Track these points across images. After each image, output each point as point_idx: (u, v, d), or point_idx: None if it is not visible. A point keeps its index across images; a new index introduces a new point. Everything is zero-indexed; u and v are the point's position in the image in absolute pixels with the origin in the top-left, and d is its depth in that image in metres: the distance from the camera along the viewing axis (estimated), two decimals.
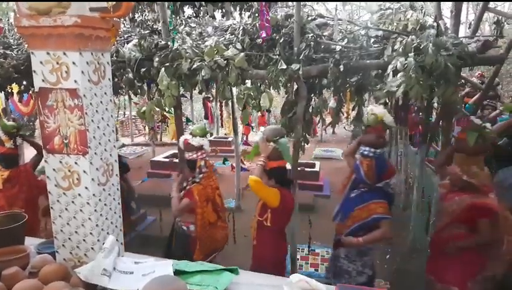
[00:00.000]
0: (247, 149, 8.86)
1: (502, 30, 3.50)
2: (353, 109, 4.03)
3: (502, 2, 9.79)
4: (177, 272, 1.89)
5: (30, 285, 1.65)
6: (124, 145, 10.58)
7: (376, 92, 3.03)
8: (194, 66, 3.46)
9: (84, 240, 1.92)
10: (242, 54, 3.39)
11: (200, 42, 3.82)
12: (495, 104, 5.55)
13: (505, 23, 3.72)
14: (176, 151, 6.70)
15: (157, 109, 4.13)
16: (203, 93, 7.51)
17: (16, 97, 6.27)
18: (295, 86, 3.49)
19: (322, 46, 3.42)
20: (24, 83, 4.80)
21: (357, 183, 3.11)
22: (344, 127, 12.19)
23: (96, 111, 1.85)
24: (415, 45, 2.91)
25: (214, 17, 6.00)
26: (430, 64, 2.76)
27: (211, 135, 11.90)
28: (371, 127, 3.11)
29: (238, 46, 3.55)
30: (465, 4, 6.69)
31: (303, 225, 3.95)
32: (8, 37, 4.92)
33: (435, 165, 3.82)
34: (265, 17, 3.32)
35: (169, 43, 3.80)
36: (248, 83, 3.83)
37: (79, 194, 1.86)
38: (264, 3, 3.30)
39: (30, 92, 5.43)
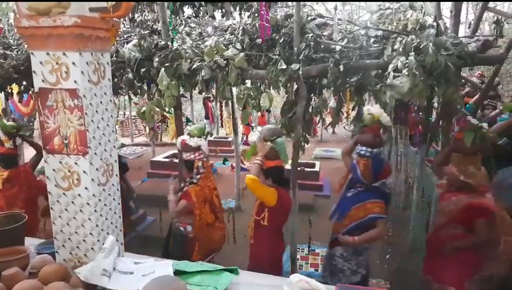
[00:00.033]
0: (247, 149, 8.85)
1: (501, 30, 3.49)
2: (353, 109, 4.03)
3: (502, 2, 9.79)
4: (177, 272, 1.89)
5: (30, 285, 1.65)
6: (123, 146, 10.59)
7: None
8: (194, 66, 3.45)
9: (84, 240, 1.91)
10: (242, 54, 3.39)
11: (199, 42, 3.82)
12: (495, 104, 5.54)
13: (505, 22, 3.72)
14: (176, 151, 6.70)
15: (157, 109, 4.13)
16: (203, 93, 7.51)
17: (15, 97, 6.27)
18: (295, 86, 3.49)
19: (322, 46, 3.42)
20: (24, 83, 4.80)
21: (353, 182, 3.13)
22: (344, 127, 12.20)
23: (96, 111, 1.85)
24: (414, 44, 2.90)
25: (213, 17, 6.00)
26: (431, 64, 2.76)
27: (211, 135, 11.90)
28: (368, 126, 3.13)
29: (238, 46, 3.54)
30: (464, 4, 6.68)
31: (303, 225, 3.95)
32: (8, 38, 4.92)
33: (433, 165, 3.82)
34: (264, 17, 3.32)
35: (169, 43, 3.80)
36: (248, 83, 3.83)
37: (79, 195, 1.86)
38: (263, 3, 3.30)
39: (30, 92, 5.43)
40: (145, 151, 10.55)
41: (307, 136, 3.84)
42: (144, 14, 6.59)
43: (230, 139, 9.93)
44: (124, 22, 5.94)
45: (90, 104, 1.80)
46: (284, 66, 3.22)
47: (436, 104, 4.72)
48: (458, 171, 2.75)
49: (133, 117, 12.47)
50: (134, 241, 4.54)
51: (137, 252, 2.24)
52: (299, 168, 4.22)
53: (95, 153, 1.85)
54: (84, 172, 1.82)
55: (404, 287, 3.85)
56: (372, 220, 2.91)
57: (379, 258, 4.48)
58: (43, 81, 1.77)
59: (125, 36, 4.52)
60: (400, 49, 2.97)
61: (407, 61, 2.80)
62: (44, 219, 3.65)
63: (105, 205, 1.96)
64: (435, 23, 3.28)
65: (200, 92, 4.38)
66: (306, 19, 3.53)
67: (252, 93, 3.57)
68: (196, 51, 3.58)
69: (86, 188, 1.84)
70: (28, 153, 4.24)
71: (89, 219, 1.87)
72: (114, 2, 1.76)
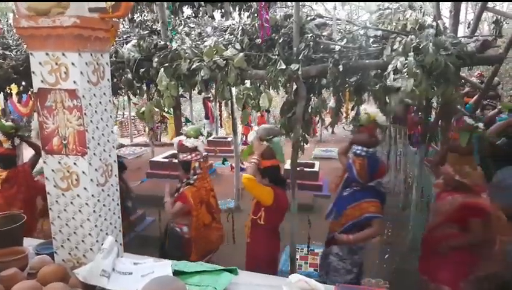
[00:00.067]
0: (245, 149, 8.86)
1: (500, 29, 3.50)
2: (352, 109, 4.03)
3: (501, 2, 9.80)
4: (176, 273, 1.88)
5: (29, 286, 1.65)
6: (122, 146, 10.58)
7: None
8: (193, 66, 3.45)
9: (83, 240, 1.91)
10: (241, 54, 3.39)
11: (199, 42, 3.82)
12: (495, 103, 5.55)
13: (504, 22, 3.73)
14: (175, 151, 6.69)
15: (157, 110, 4.13)
16: (203, 93, 7.50)
17: (15, 98, 6.26)
18: (294, 86, 3.49)
19: (321, 46, 3.42)
20: (23, 83, 4.80)
21: (349, 182, 3.15)
22: (343, 127, 12.20)
23: (95, 112, 1.85)
24: (414, 44, 2.91)
25: (213, 18, 6.00)
26: (430, 64, 2.76)
27: (211, 135, 11.91)
28: (364, 126, 3.14)
29: (237, 46, 3.54)
30: (464, 4, 6.69)
31: (302, 225, 3.95)
32: (7, 38, 4.91)
33: (430, 165, 3.83)
34: (264, 16, 3.32)
35: (168, 43, 3.79)
36: (247, 83, 3.83)
37: (78, 195, 1.86)
38: (263, 3, 3.30)
39: (29, 92, 5.42)
40: (145, 151, 10.54)
41: (306, 136, 3.84)
42: (143, 15, 6.60)
43: (229, 139, 9.92)
44: (124, 22, 5.94)
45: (90, 104, 1.80)
46: (284, 66, 3.22)
47: (435, 104, 4.72)
48: (454, 171, 2.77)
49: (133, 117, 12.47)
50: (134, 241, 4.53)
51: (137, 253, 2.24)
52: (298, 168, 4.22)
53: (94, 154, 1.85)
54: (83, 172, 1.82)
55: (403, 287, 3.85)
56: (367, 219, 2.94)
57: (378, 258, 4.48)
58: (42, 81, 1.77)
59: (125, 36, 4.52)
60: (400, 49, 2.97)
61: (406, 61, 2.80)
62: (42, 219, 3.65)
63: (104, 205, 1.96)
64: (434, 23, 3.28)
65: (199, 92, 4.38)
66: (305, 19, 3.53)
67: (251, 94, 3.57)
68: (195, 51, 3.58)
69: (85, 188, 1.84)
70: (28, 153, 4.24)
71: (88, 219, 1.87)
72: (113, 3, 1.76)
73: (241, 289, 1.86)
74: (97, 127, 1.87)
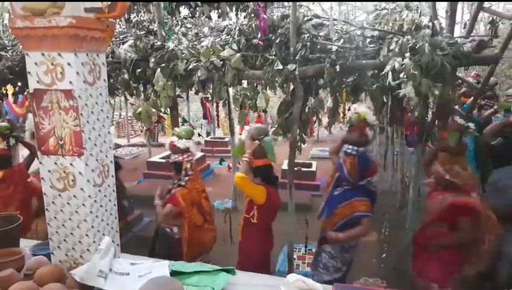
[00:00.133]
0: (236, 148, 8.86)
1: (496, 30, 3.52)
2: (349, 109, 4.04)
3: (497, 2, 9.85)
4: (174, 273, 1.88)
5: (25, 287, 1.64)
6: (119, 146, 10.54)
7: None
8: (190, 66, 3.45)
9: (79, 241, 1.90)
10: (238, 54, 3.39)
11: (196, 43, 3.82)
12: (493, 104, 5.56)
13: (500, 23, 3.75)
14: None
15: (154, 110, 4.12)
16: (201, 93, 7.50)
17: (10, 98, 6.23)
18: (291, 86, 3.50)
19: (318, 47, 3.43)
20: (19, 84, 4.78)
21: (340, 181, 3.17)
22: (340, 127, 12.23)
23: (92, 112, 1.84)
24: (410, 44, 2.92)
25: (210, 18, 5.99)
26: (426, 64, 2.78)
27: (209, 134, 11.91)
28: (354, 125, 3.15)
29: (234, 46, 3.55)
30: (460, 4, 6.72)
31: (300, 225, 3.96)
32: (3, 38, 4.90)
33: (422, 164, 3.85)
34: (262, 16, 3.33)
35: (165, 43, 3.79)
36: (244, 83, 3.83)
37: (74, 196, 1.85)
38: (261, 4, 3.31)
39: (25, 93, 5.40)
40: (141, 151, 10.52)
41: (304, 136, 3.85)
42: (139, 15, 6.57)
43: (227, 139, 9.92)
44: (120, 22, 5.92)
45: (86, 104, 1.79)
46: (281, 67, 3.23)
47: (431, 104, 4.73)
48: (444, 170, 2.78)
49: (129, 118, 12.45)
50: (131, 242, 4.52)
51: (134, 253, 2.23)
52: (295, 168, 4.22)
53: (91, 154, 1.84)
54: (80, 173, 1.81)
55: (400, 286, 3.87)
56: (357, 218, 2.96)
57: (376, 257, 4.50)
58: (38, 82, 1.76)
59: (121, 37, 4.51)
60: (396, 49, 2.98)
61: (403, 62, 2.81)
62: (36, 220, 3.65)
63: (101, 206, 1.95)
64: (430, 24, 3.30)
65: (196, 93, 4.38)
66: (302, 20, 3.54)
67: (248, 94, 3.57)
68: (192, 51, 3.58)
69: (82, 189, 1.83)
70: (25, 154, 4.22)
71: (85, 220, 1.87)
72: (109, 3, 1.75)
73: (239, 289, 1.86)
74: (93, 128, 1.86)
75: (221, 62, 3.39)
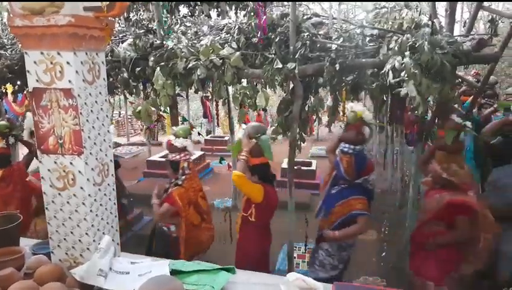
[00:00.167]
0: (233, 145, 8.87)
1: (496, 28, 3.51)
2: None
3: (496, 1, 9.84)
4: (174, 272, 1.88)
5: (25, 286, 1.64)
6: (119, 145, 10.55)
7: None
8: (190, 65, 3.45)
9: (79, 240, 1.91)
10: (238, 53, 3.39)
11: (195, 41, 3.81)
12: (493, 102, 5.56)
13: (499, 21, 3.74)
14: None
15: (153, 109, 4.12)
16: (200, 92, 7.49)
17: (10, 97, 6.22)
18: (291, 85, 3.49)
19: (318, 45, 3.42)
20: (18, 83, 4.77)
21: (337, 179, 3.17)
22: (340, 126, 12.23)
23: (91, 111, 1.84)
24: (410, 43, 2.92)
25: (209, 16, 5.98)
26: (426, 62, 2.77)
27: (208, 133, 11.91)
28: (351, 124, 3.15)
29: (234, 45, 3.54)
30: (459, 3, 6.71)
31: (300, 224, 3.96)
32: (2, 37, 4.88)
33: (419, 163, 3.86)
34: (261, 15, 3.32)
35: (164, 42, 3.78)
36: (244, 82, 3.82)
37: (74, 195, 1.85)
38: (260, 2, 3.30)
39: (24, 92, 5.39)
40: (141, 150, 10.52)
41: (303, 134, 3.85)
42: (139, 14, 6.57)
43: (226, 138, 9.92)
44: (119, 21, 5.91)
45: (85, 103, 1.79)
46: (280, 65, 3.22)
47: (431, 103, 4.73)
48: (441, 169, 2.79)
49: (129, 116, 12.44)
50: (131, 241, 4.52)
51: (134, 252, 2.24)
52: (295, 167, 4.22)
53: (90, 153, 1.84)
54: (80, 172, 1.81)
55: (400, 284, 3.87)
56: (353, 216, 2.97)
57: (375, 256, 4.50)
58: (37, 80, 1.75)
59: (120, 35, 4.50)
60: (396, 48, 2.98)
61: (403, 61, 2.81)
62: (35, 219, 3.65)
63: (100, 205, 1.95)
64: (430, 22, 3.29)
65: (196, 91, 4.37)
66: (302, 18, 3.54)
67: (248, 93, 3.57)
68: (192, 50, 3.57)
69: (81, 188, 1.83)
70: (25, 153, 4.22)
71: (85, 219, 1.87)
72: (108, 2, 1.75)
73: (239, 288, 1.86)
74: (93, 127, 1.86)
75: (221, 61, 3.38)
